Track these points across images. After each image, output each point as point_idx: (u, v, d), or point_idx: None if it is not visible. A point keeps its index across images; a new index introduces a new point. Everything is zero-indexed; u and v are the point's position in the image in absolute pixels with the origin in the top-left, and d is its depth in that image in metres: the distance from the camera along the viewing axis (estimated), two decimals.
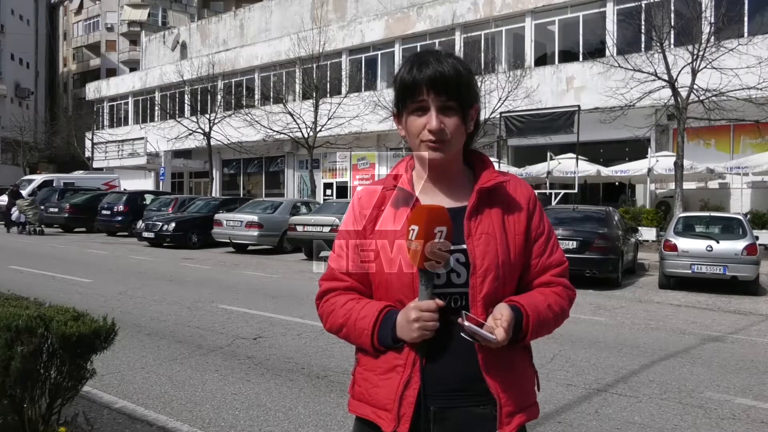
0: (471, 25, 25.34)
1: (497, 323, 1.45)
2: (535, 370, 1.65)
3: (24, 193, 30.34)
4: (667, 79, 16.61)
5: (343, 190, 29.36)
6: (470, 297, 1.51)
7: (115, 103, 42.82)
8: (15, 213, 22.55)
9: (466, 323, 1.42)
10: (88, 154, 41.51)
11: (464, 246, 1.52)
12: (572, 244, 11.30)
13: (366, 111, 24.04)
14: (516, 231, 1.58)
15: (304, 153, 27.78)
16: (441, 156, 1.54)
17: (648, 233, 18.52)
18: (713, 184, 20.32)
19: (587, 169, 19.76)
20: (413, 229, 1.42)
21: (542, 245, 1.62)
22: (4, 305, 3.18)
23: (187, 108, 33.97)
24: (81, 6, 67.34)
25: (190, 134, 30.02)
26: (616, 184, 22.10)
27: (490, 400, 1.50)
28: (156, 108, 38.74)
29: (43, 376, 3.00)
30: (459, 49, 23.74)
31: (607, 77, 18.38)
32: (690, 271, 11.22)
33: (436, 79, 1.49)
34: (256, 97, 32.92)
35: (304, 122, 25.39)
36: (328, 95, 27.64)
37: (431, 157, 1.54)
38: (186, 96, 33.96)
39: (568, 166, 19.13)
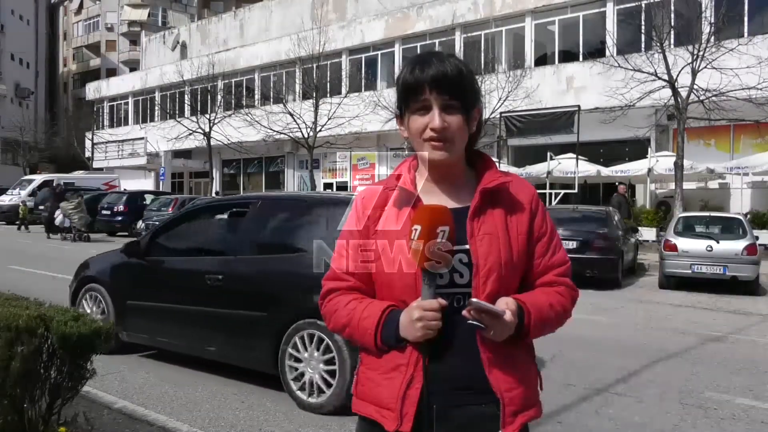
0: (471, 25, 25.32)
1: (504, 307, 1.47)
2: (538, 370, 1.65)
3: (24, 193, 30.25)
4: (667, 79, 16.59)
5: (343, 191, 29.35)
6: (473, 297, 1.51)
7: (115, 103, 42.79)
8: (59, 217, 20.09)
9: (474, 299, 1.42)
10: (88, 154, 41.48)
11: (467, 246, 1.52)
12: (572, 244, 11.31)
13: (366, 111, 24.00)
14: (518, 231, 1.59)
15: (304, 153, 27.77)
16: (444, 156, 1.54)
17: (648, 233, 18.50)
18: (713, 184, 20.29)
19: (587, 169, 19.75)
20: (416, 229, 1.42)
21: (545, 245, 1.63)
22: (4, 305, 3.18)
23: (187, 108, 33.94)
24: (81, 6, 67.35)
25: (190, 134, 29.99)
26: (616, 184, 22.08)
27: (493, 399, 1.50)
28: (156, 108, 38.72)
29: (43, 377, 3.00)
30: (459, 49, 23.72)
31: (607, 77, 18.35)
32: (690, 271, 11.22)
33: (438, 78, 1.50)
34: (256, 97, 32.90)
35: (304, 122, 25.37)
36: (328, 95, 27.60)
37: (433, 156, 1.54)
38: (186, 96, 33.94)
39: (568, 166, 19.11)
